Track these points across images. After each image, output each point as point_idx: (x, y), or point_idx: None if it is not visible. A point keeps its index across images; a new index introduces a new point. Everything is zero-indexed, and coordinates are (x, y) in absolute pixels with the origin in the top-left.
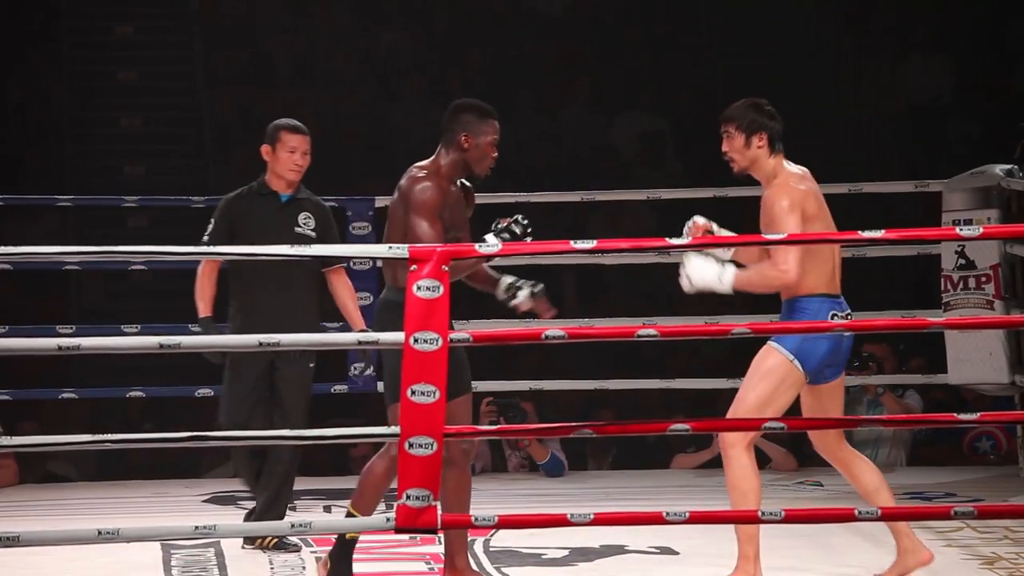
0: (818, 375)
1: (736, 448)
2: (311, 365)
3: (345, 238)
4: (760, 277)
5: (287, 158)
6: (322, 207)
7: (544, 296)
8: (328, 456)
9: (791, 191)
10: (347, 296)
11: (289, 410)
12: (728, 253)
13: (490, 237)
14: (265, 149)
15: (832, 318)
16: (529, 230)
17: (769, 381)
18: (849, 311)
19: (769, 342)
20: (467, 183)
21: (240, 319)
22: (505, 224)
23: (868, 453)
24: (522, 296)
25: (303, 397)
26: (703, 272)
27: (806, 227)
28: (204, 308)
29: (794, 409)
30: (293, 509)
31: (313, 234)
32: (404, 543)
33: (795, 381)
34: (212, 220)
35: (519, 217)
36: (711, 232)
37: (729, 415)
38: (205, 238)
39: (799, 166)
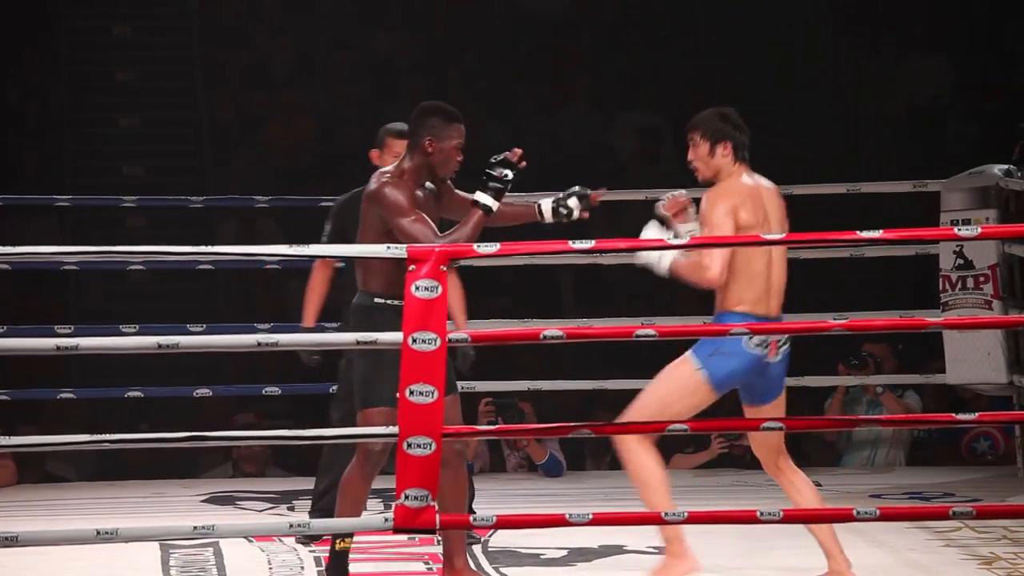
0: (751, 395)
1: (627, 442)
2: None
3: None
4: (690, 268)
5: (383, 160)
6: None
7: (588, 192)
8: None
9: (726, 196)
10: (455, 295)
11: None
12: (689, 229)
13: (546, 205)
14: (374, 154)
15: (749, 340)
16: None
17: (670, 385)
18: (780, 339)
19: (689, 349)
20: (431, 183)
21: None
22: (564, 199)
23: (867, 453)
24: (575, 208)
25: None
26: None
27: (740, 234)
28: (307, 318)
29: (791, 409)
30: (291, 509)
31: None
32: (403, 543)
33: (698, 390)
34: (326, 224)
35: (574, 194)
36: (687, 209)
37: (627, 414)
38: (324, 239)
39: (766, 180)
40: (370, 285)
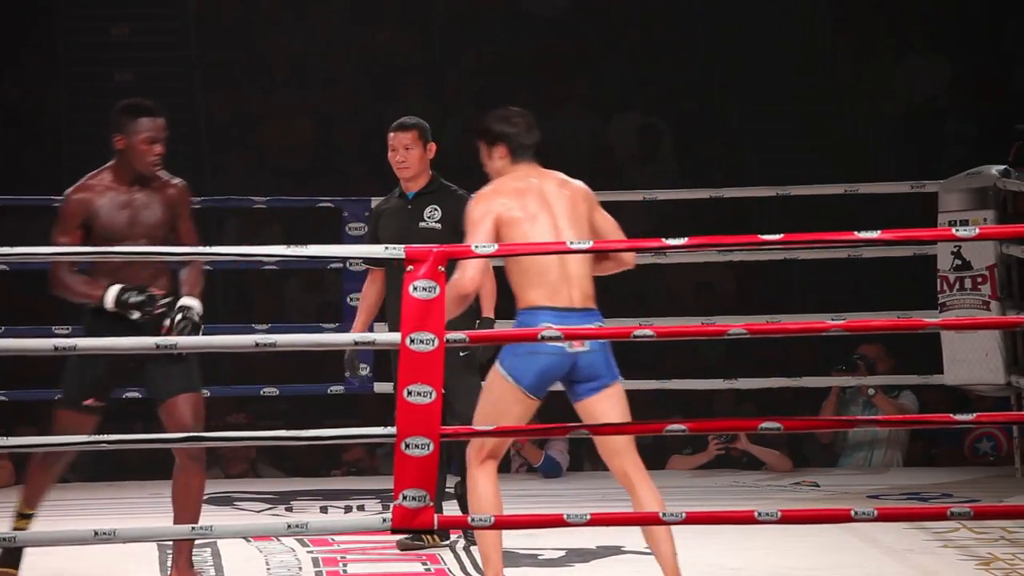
0: (575, 391)
1: (472, 467)
2: (463, 355)
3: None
4: (449, 288)
5: (391, 157)
6: (454, 198)
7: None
8: (325, 457)
9: (485, 197)
10: (488, 287)
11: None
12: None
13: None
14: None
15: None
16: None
17: (487, 398)
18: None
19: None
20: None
21: (388, 319)
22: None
23: (864, 455)
24: (139, 305)
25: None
26: None
27: (509, 231)
28: (356, 325)
29: (789, 409)
30: (289, 510)
31: (439, 226)
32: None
33: (517, 398)
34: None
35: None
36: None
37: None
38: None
39: (560, 177)
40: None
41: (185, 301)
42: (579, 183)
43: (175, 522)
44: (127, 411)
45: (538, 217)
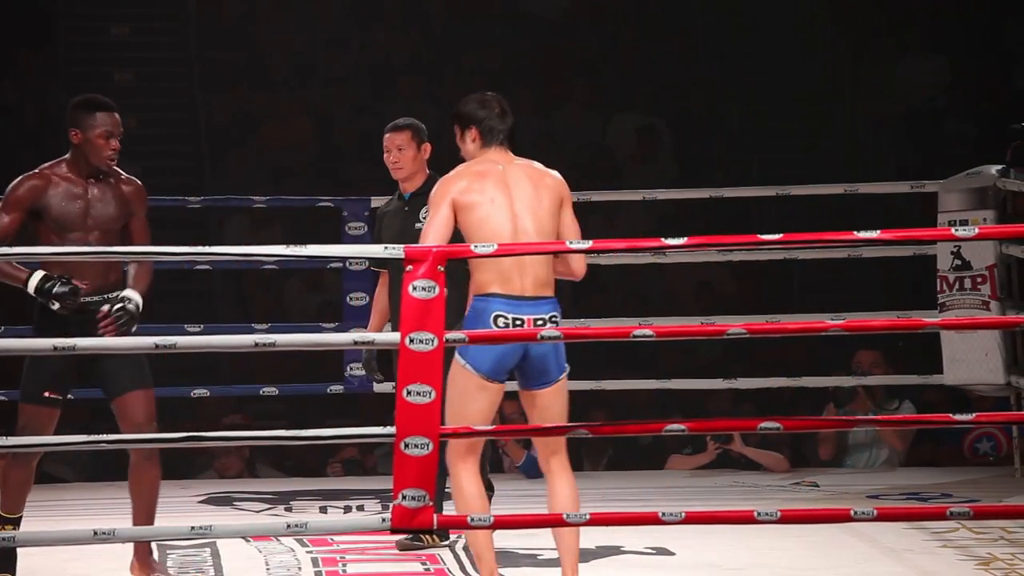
0: (526, 380)
1: (455, 465)
2: None
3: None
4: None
5: (386, 158)
6: None
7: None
8: (324, 456)
9: (447, 181)
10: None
11: None
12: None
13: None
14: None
15: (495, 319)
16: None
17: (452, 390)
18: (533, 316)
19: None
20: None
21: (391, 320)
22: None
23: (864, 456)
24: (59, 293)
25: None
26: None
27: (464, 214)
28: (370, 328)
29: (789, 410)
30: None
31: None
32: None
33: (477, 385)
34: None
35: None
36: None
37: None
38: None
39: (526, 163)
40: None
41: (126, 293)
42: (556, 177)
43: (133, 519)
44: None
45: (496, 201)
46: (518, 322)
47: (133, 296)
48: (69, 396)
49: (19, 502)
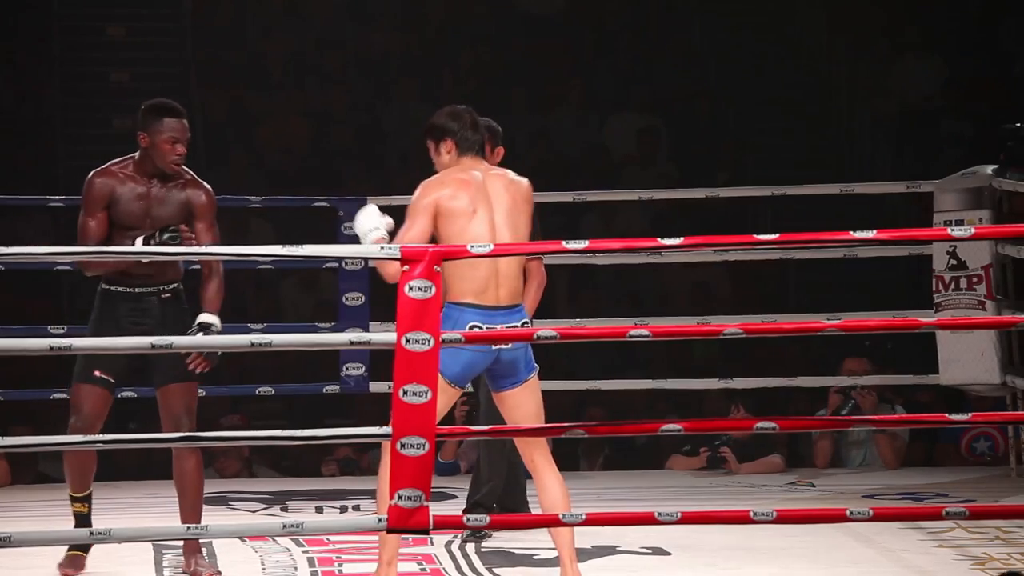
0: (493, 382)
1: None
2: None
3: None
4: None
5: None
6: None
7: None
8: (320, 457)
9: (429, 187)
10: (530, 287)
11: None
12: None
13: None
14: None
15: (471, 329)
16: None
17: None
18: (507, 325)
19: None
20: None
21: None
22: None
23: (859, 453)
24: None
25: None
26: (363, 222)
27: (445, 222)
28: None
29: (787, 410)
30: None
31: None
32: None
33: (440, 387)
34: None
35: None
36: None
37: None
38: None
39: (501, 172)
40: None
41: (207, 319)
42: (527, 186)
43: (180, 509)
44: (122, 411)
45: (477, 211)
46: (493, 328)
47: (214, 322)
48: (118, 390)
49: (84, 482)
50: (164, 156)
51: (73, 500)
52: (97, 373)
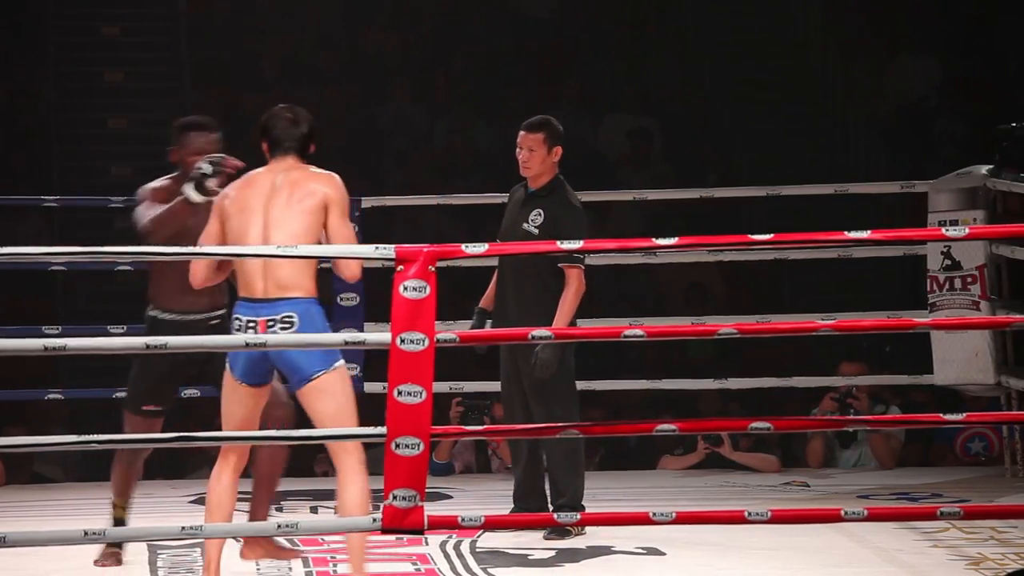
0: (289, 384)
1: (217, 463)
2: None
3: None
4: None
5: (517, 154)
6: (560, 203)
7: (219, 159)
8: (314, 456)
9: (221, 195)
10: (567, 294)
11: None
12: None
13: (189, 188)
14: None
15: (234, 322)
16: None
17: (223, 392)
18: (267, 317)
19: None
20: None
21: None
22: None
23: (854, 454)
24: (209, 171)
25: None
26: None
27: (227, 223)
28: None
29: (784, 410)
30: (278, 509)
31: (536, 231)
32: (390, 543)
33: (232, 386)
34: None
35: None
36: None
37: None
38: None
39: (308, 169)
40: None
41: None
42: (324, 183)
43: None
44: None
45: (254, 211)
46: (251, 324)
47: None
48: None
49: (127, 491)
50: (189, 170)
51: (115, 506)
52: (144, 408)
